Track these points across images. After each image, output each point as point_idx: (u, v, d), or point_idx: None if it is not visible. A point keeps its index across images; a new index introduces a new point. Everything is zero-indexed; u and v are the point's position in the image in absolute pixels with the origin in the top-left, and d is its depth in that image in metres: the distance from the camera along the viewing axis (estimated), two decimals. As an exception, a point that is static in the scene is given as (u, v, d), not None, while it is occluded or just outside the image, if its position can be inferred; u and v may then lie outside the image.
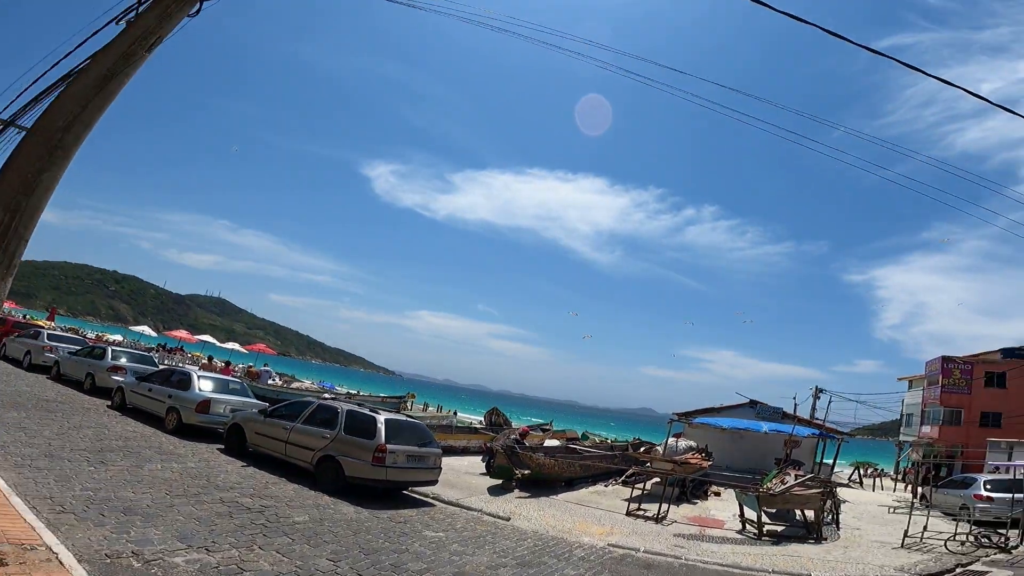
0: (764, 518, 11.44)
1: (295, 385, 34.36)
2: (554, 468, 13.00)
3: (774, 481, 14.56)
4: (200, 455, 10.63)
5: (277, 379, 30.26)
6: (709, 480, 16.20)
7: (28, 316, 49.65)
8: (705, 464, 15.63)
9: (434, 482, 10.40)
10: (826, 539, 11.10)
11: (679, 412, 28.71)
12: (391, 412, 10.85)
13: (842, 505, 13.45)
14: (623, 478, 15.19)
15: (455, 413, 47.18)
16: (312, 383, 37.19)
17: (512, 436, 16.15)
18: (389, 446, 9.38)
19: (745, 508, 11.65)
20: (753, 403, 24.28)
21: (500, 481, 12.47)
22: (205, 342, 42.39)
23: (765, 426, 18.99)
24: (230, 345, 41.60)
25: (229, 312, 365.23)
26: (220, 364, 23.76)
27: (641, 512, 11.77)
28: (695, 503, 14.33)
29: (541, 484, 13.14)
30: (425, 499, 10.47)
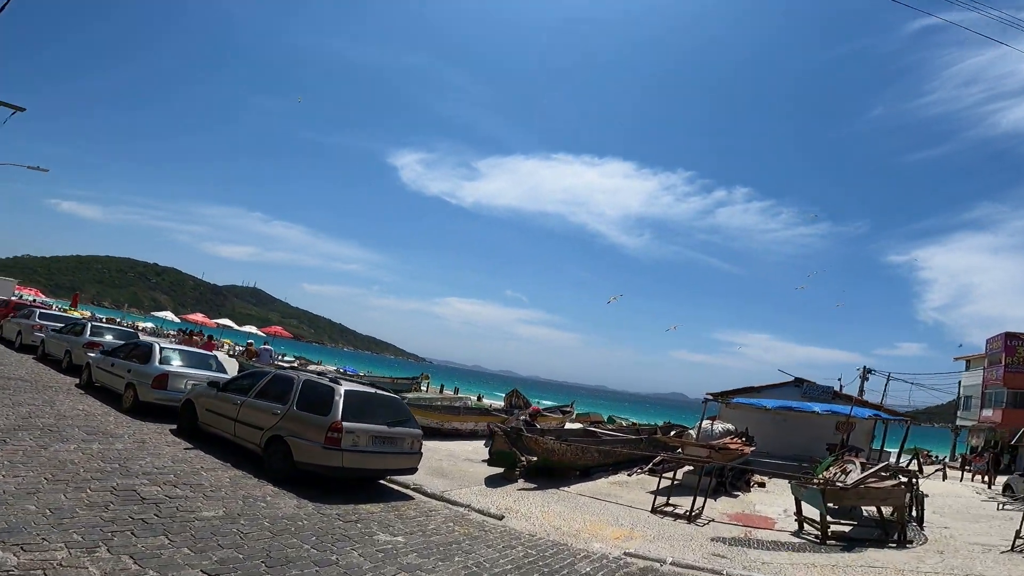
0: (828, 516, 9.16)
1: (311, 368, 33.16)
2: (566, 454, 10.94)
3: (831, 470, 12.20)
4: (140, 436, 8.98)
5: (278, 358, 29.01)
6: (751, 468, 13.91)
7: (56, 306, 50.09)
8: (747, 450, 13.34)
9: (411, 470, 8.47)
10: (911, 542, 8.77)
11: (714, 392, 26.31)
12: (360, 385, 8.93)
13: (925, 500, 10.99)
14: (649, 466, 13.05)
15: (480, 397, 45.55)
16: (328, 367, 36.02)
17: (521, 417, 14.15)
18: (347, 424, 7.47)
19: (803, 504, 9.41)
20: (799, 381, 21.63)
21: (502, 470, 10.48)
22: (224, 326, 41.79)
23: (818, 406, 16.46)
24: (248, 328, 40.81)
25: (265, 302, 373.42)
26: (203, 339, 22.30)
27: (670, 508, 9.64)
28: (736, 496, 12.10)
29: (551, 474, 11.13)
30: (403, 491, 8.57)
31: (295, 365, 30.90)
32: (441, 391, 38.30)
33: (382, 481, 8.81)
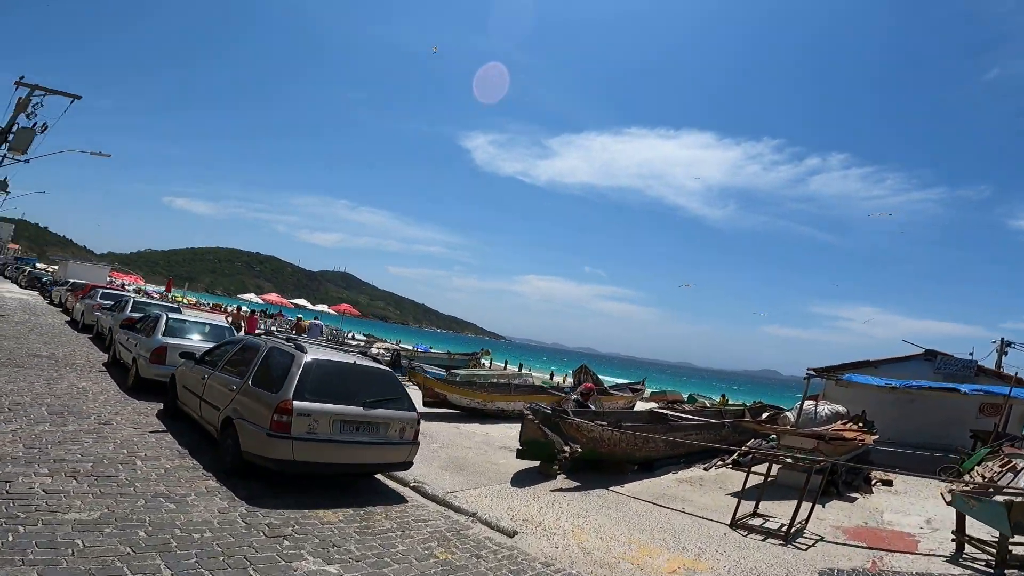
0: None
1: (378, 346, 32.60)
2: (619, 444, 8.55)
3: (989, 465, 8.97)
4: (111, 417, 7.77)
5: (345, 337, 28.43)
6: (870, 463, 10.83)
7: (153, 291, 53.67)
8: (868, 439, 10.26)
9: (402, 464, 6.51)
10: None
11: (817, 367, 22.60)
12: (338, 351, 7.03)
13: None
14: (732, 458, 10.38)
15: (552, 375, 43.55)
16: (393, 343, 35.47)
17: (572, 396, 11.89)
18: (300, 404, 5.60)
19: (967, 517, 6.52)
20: (931, 354, 17.54)
21: (537, 464, 8.34)
22: (299, 306, 42.56)
23: (966, 387, 12.84)
24: (320, 307, 41.25)
25: (354, 285, 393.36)
26: (245, 312, 21.70)
27: (759, 521, 7.08)
28: (853, 500, 9.19)
29: (603, 468, 8.84)
30: (398, 491, 6.67)
31: (361, 345, 30.36)
32: (505, 367, 36.69)
33: (379, 477, 6.97)
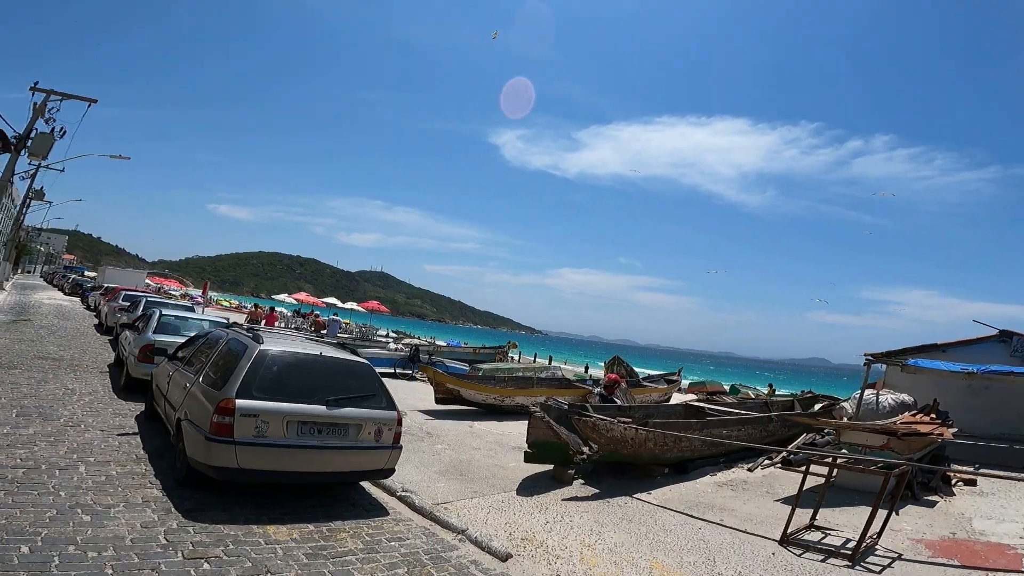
0: None
1: (405, 342, 32.01)
2: (644, 444, 7.34)
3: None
4: (81, 418, 7.17)
5: (373, 334, 27.85)
6: (947, 460, 9.28)
7: (187, 295, 54.71)
8: (947, 433, 8.71)
9: (381, 472, 5.52)
10: None
11: (875, 353, 20.74)
12: (304, 342, 6.03)
13: None
14: (781, 455, 9.00)
15: (587, 368, 42.22)
16: (425, 340, 34.89)
17: (596, 390, 10.75)
18: (244, 404, 4.67)
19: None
20: (1006, 335, 15.52)
21: (550, 467, 7.23)
22: (330, 304, 42.55)
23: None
24: (349, 305, 41.07)
25: (391, 284, 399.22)
26: (263, 311, 21.14)
27: (818, 532, 5.80)
28: (932, 503, 7.74)
29: (629, 470, 7.66)
30: (381, 501, 5.70)
31: (388, 341, 29.81)
32: (534, 360, 35.58)
33: (364, 484, 6.02)
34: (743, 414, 10.61)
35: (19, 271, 70.37)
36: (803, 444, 9.92)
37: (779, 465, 9.08)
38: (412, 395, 13.20)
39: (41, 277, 78.04)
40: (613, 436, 7.10)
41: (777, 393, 29.58)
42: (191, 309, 18.14)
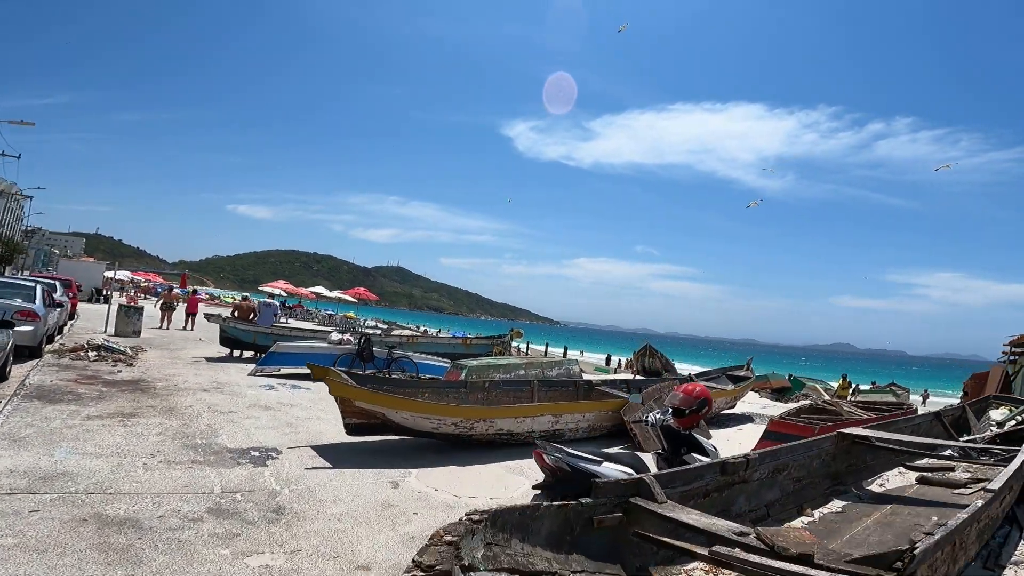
0: None
1: (395, 333, 26.85)
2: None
3: None
4: None
5: (361, 325, 22.68)
6: None
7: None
8: None
9: None
10: None
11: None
12: None
13: None
14: None
15: (608, 359, 36.58)
16: (409, 327, 29.71)
17: (655, 415, 5.14)
18: None
19: None
20: None
21: None
22: (317, 293, 37.77)
23: None
24: (335, 293, 36.12)
25: (408, 279, 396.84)
26: (178, 299, 16.09)
27: None
28: None
29: None
30: None
31: (378, 333, 24.65)
32: (546, 352, 29.97)
33: None
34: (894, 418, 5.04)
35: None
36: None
37: None
38: (324, 417, 7.88)
39: None
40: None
41: (861, 388, 23.60)
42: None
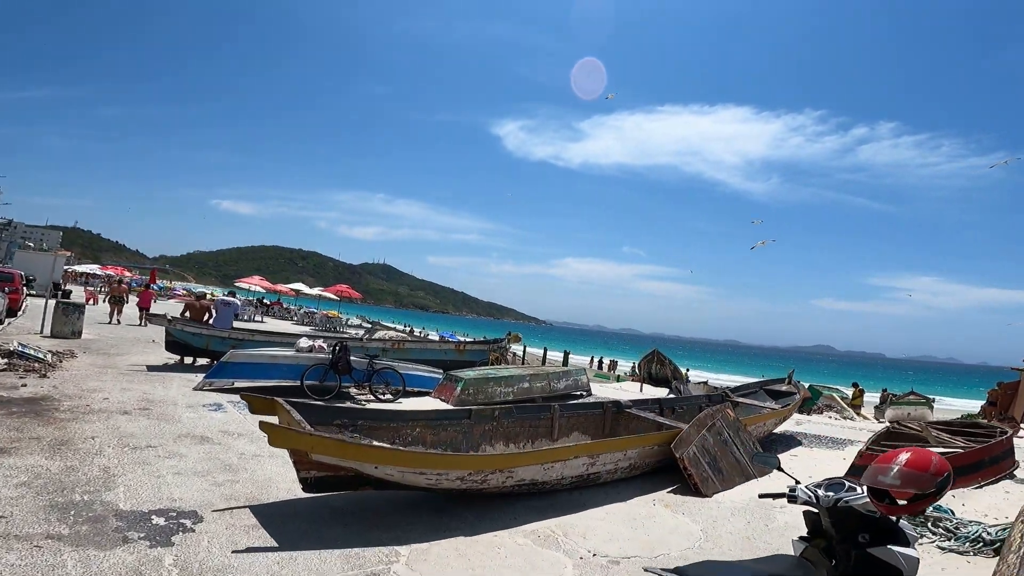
0: None
1: (379, 335, 24.72)
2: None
3: None
4: None
5: (344, 323, 20.53)
6: None
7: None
8: None
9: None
10: None
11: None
12: None
13: None
14: None
15: (612, 365, 34.72)
16: (420, 330, 27.66)
17: (821, 488, 3.19)
18: None
19: None
20: None
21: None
22: (296, 291, 35.57)
23: None
24: (316, 291, 33.89)
25: (394, 276, 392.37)
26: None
27: None
28: None
29: None
30: None
31: (360, 335, 22.57)
32: (544, 358, 28.03)
33: None
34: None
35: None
36: None
37: None
38: (279, 453, 5.84)
39: None
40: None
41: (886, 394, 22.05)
42: None
